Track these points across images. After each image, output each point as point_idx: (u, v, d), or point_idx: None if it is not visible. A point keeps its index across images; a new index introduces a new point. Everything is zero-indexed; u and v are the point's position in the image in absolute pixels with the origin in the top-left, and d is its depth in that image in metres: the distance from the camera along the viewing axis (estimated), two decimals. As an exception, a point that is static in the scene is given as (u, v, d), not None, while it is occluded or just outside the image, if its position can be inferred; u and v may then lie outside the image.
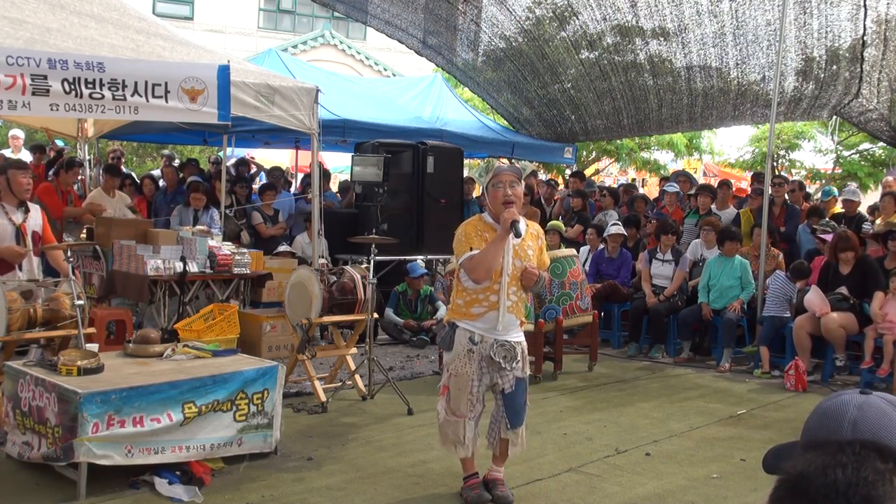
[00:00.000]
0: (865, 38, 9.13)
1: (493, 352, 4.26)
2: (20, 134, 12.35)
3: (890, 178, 12.49)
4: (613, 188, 12.68)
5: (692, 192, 10.77)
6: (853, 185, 11.38)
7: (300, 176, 13.94)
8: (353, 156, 8.84)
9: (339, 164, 16.91)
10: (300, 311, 6.28)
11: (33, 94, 5.48)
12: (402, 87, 14.13)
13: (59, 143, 11.90)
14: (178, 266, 6.77)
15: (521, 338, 4.40)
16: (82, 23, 6.71)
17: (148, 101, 5.92)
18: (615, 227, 9.54)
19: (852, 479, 1.01)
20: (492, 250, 4.15)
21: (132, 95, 5.84)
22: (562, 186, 13.55)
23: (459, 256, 4.24)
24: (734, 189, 11.42)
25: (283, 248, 9.52)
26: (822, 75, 10.07)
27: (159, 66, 6.20)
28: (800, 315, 7.94)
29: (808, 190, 13.14)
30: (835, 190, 10.64)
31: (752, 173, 14.20)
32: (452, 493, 4.54)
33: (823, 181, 16.98)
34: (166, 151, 14.87)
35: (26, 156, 11.66)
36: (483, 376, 4.33)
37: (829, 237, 8.28)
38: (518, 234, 4.17)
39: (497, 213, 4.26)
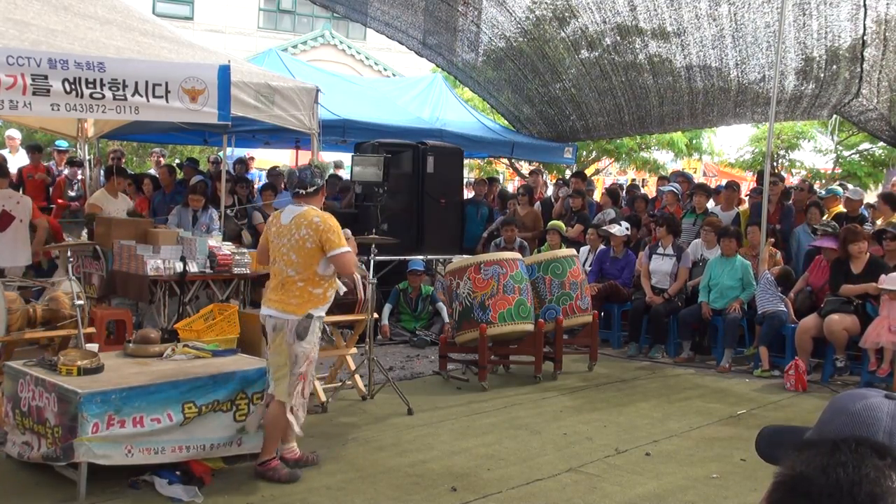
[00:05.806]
0: (865, 37, 9.13)
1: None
2: (16, 134, 12.32)
3: None
4: (614, 188, 12.64)
5: (690, 191, 10.75)
6: (851, 186, 11.36)
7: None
8: (353, 156, 8.85)
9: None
10: (300, 311, 6.27)
11: (34, 94, 5.48)
12: (402, 88, 14.13)
13: (62, 143, 11.90)
14: (178, 266, 6.77)
15: None
16: (87, 25, 6.71)
17: (148, 101, 5.92)
18: (616, 229, 9.37)
19: (854, 477, 1.00)
20: None
21: (133, 95, 5.84)
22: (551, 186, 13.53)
23: (342, 246, 4.65)
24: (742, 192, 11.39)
25: None
26: (822, 75, 10.07)
27: (160, 66, 6.20)
28: (799, 315, 7.95)
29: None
30: (838, 189, 10.61)
31: (754, 173, 14.14)
32: (452, 493, 4.54)
33: (824, 181, 16.97)
34: (156, 149, 14.81)
35: (24, 156, 11.66)
36: None
37: (821, 241, 8.26)
38: None
39: None
